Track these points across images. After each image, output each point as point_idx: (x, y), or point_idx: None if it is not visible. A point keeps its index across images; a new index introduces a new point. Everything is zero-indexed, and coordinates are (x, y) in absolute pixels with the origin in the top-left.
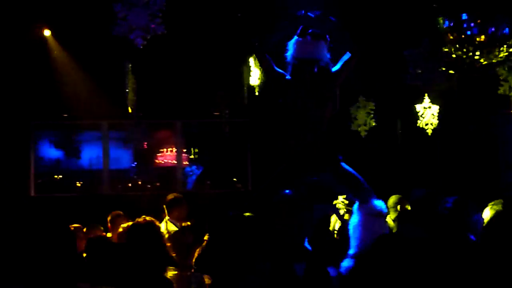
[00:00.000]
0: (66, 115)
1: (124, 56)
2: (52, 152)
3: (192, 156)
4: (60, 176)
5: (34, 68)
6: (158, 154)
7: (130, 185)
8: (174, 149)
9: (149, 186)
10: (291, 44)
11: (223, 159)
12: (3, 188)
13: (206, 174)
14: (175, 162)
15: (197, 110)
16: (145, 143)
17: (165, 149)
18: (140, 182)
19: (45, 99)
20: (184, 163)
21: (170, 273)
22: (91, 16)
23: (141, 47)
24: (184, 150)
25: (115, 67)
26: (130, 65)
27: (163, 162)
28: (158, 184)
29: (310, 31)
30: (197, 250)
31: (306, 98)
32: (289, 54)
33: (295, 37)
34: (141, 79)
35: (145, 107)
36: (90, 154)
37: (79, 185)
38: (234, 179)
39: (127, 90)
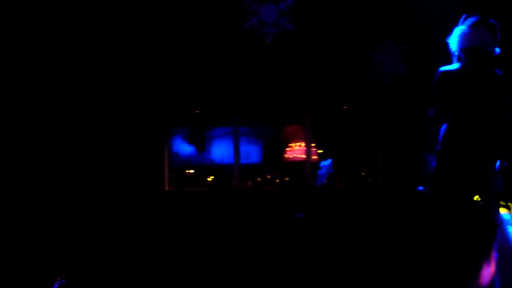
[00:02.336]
0: (198, 111)
1: (254, 51)
2: (184, 148)
3: (321, 151)
4: (192, 171)
5: (169, 65)
6: (287, 149)
7: (259, 179)
8: (303, 144)
9: (277, 180)
10: (456, 34)
11: (352, 153)
12: (140, 183)
13: (335, 169)
14: (304, 156)
15: (326, 104)
16: (274, 138)
17: (294, 144)
18: (269, 177)
19: (179, 96)
20: (313, 157)
21: None
22: (222, 11)
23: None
24: (313, 145)
25: (245, 62)
26: (260, 60)
27: (292, 156)
28: (287, 179)
29: (476, 18)
30: None
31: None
32: (454, 45)
33: (461, 26)
34: (271, 74)
35: (275, 102)
36: (221, 149)
37: (210, 179)
38: (362, 173)
39: (257, 86)
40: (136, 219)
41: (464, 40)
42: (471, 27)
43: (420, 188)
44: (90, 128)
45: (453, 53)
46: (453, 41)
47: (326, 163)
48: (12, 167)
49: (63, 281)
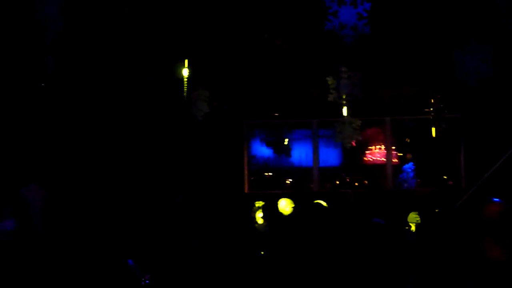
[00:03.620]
0: (277, 114)
1: (333, 54)
2: (263, 150)
3: (401, 154)
4: (270, 174)
5: (248, 68)
6: (366, 152)
7: (338, 182)
8: (383, 147)
9: (356, 183)
10: None
11: (434, 156)
12: (221, 185)
13: (416, 172)
14: (384, 159)
15: (406, 107)
16: (354, 140)
17: (373, 147)
18: (348, 180)
19: (258, 99)
20: (393, 160)
21: None
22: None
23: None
24: (393, 148)
25: (322, 65)
26: (339, 63)
27: (371, 159)
28: (365, 182)
29: None
30: None
31: None
32: None
33: None
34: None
35: (356, 104)
36: (299, 152)
37: (288, 182)
38: (444, 177)
39: (334, 88)
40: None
41: None
42: None
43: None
44: (175, 134)
45: None
46: None
47: (408, 166)
48: (110, 170)
49: (147, 281)
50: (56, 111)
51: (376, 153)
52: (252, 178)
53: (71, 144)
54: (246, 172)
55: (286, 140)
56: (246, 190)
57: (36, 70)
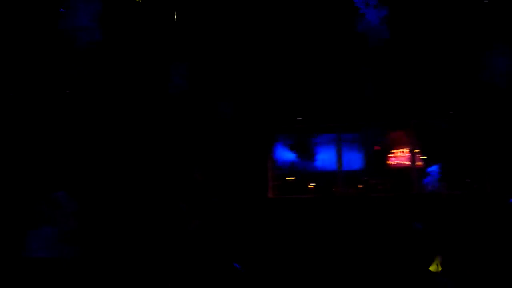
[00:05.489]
0: (300, 119)
1: (357, 58)
2: (287, 155)
3: (425, 157)
4: (294, 178)
5: (273, 74)
6: (389, 155)
7: (360, 186)
8: (407, 150)
9: (380, 187)
10: None
11: (459, 159)
12: (245, 190)
13: (441, 175)
14: (408, 163)
15: (431, 109)
16: (378, 144)
17: (397, 150)
18: (372, 183)
19: (282, 103)
20: (418, 163)
21: None
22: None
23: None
24: (417, 151)
25: (348, 69)
26: (364, 66)
27: (395, 163)
28: (389, 185)
29: None
30: None
31: None
32: None
33: None
34: (374, 80)
35: (378, 108)
36: (323, 156)
37: (311, 186)
38: (467, 180)
39: (360, 92)
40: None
41: None
42: None
43: None
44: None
45: None
46: None
47: (433, 169)
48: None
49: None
50: (76, 118)
51: (400, 157)
52: (275, 183)
53: (91, 148)
54: (270, 176)
55: (311, 144)
56: (270, 195)
57: (64, 77)
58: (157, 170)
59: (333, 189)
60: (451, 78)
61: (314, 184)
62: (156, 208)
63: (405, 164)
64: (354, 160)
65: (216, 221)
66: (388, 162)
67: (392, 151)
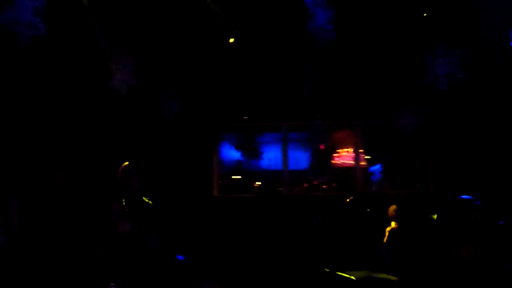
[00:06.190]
0: (246, 118)
1: (303, 58)
2: (233, 154)
3: (369, 157)
4: (239, 177)
5: (218, 72)
6: (334, 155)
7: (306, 185)
8: (351, 150)
9: (324, 186)
10: None
11: (402, 159)
12: (190, 189)
13: (385, 175)
14: (352, 162)
15: (375, 110)
16: (323, 144)
17: (342, 150)
18: (315, 183)
19: (228, 102)
20: (362, 163)
21: None
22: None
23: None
24: (361, 151)
25: (293, 69)
26: (310, 66)
27: (339, 162)
28: (334, 184)
29: None
30: None
31: None
32: None
33: None
34: (319, 80)
35: (324, 108)
36: (269, 155)
37: (256, 185)
38: (411, 180)
39: (306, 92)
40: (186, 225)
41: None
42: None
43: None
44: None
45: None
46: None
47: (376, 168)
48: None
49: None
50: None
51: (345, 156)
52: (221, 182)
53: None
54: (215, 175)
55: (256, 143)
56: (215, 194)
57: (6, 72)
58: (89, 169)
59: (279, 188)
60: (395, 79)
61: (260, 183)
62: (86, 208)
63: (350, 163)
64: (299, 159)
65: (155, 221)
66: (333, 161)
67: (337, 150)
